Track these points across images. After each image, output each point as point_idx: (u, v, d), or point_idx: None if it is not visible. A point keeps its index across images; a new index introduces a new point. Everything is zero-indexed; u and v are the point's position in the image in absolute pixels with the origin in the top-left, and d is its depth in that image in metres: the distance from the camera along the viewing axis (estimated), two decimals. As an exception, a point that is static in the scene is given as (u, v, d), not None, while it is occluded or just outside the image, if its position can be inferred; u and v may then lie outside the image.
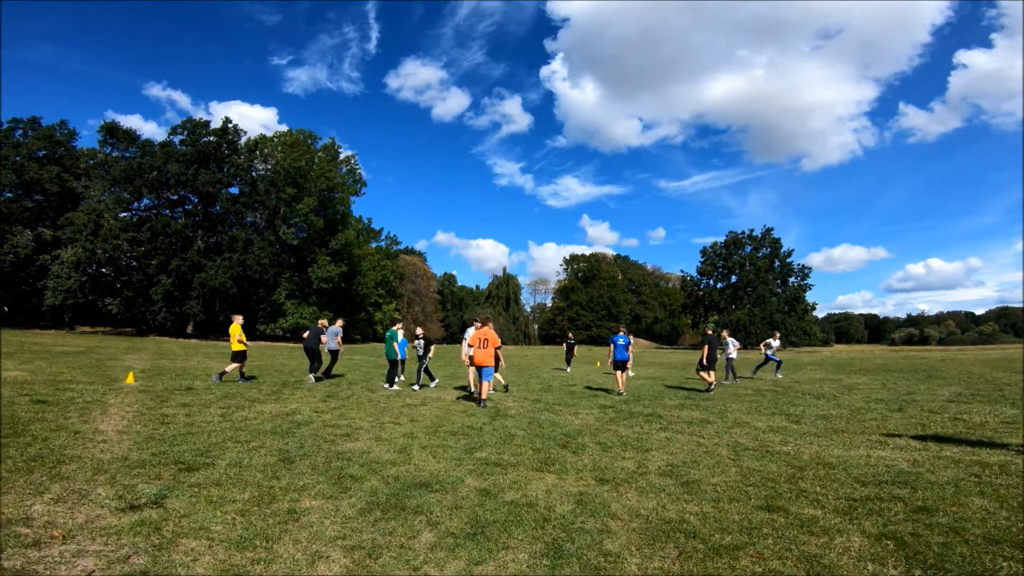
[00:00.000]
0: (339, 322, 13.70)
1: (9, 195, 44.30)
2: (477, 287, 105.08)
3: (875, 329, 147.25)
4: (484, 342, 9.67)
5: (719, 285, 72.29)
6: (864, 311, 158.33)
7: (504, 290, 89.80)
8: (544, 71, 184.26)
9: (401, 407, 9.09)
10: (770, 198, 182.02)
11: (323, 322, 13.65)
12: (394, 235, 74.73)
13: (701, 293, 73.33)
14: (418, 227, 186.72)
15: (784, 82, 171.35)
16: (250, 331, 47.31)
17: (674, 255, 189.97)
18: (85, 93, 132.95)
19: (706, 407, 10.10)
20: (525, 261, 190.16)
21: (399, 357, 12.25)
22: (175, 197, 45.45)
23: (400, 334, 12.59)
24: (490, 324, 10.24)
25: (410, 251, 79.42)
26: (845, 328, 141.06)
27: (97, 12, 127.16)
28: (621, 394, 11.74)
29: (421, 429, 7.09)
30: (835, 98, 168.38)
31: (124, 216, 42.90)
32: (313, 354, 12.76)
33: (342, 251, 48.72)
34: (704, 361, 12.82)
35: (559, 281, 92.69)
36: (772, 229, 69.43)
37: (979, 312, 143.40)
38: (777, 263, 68.49)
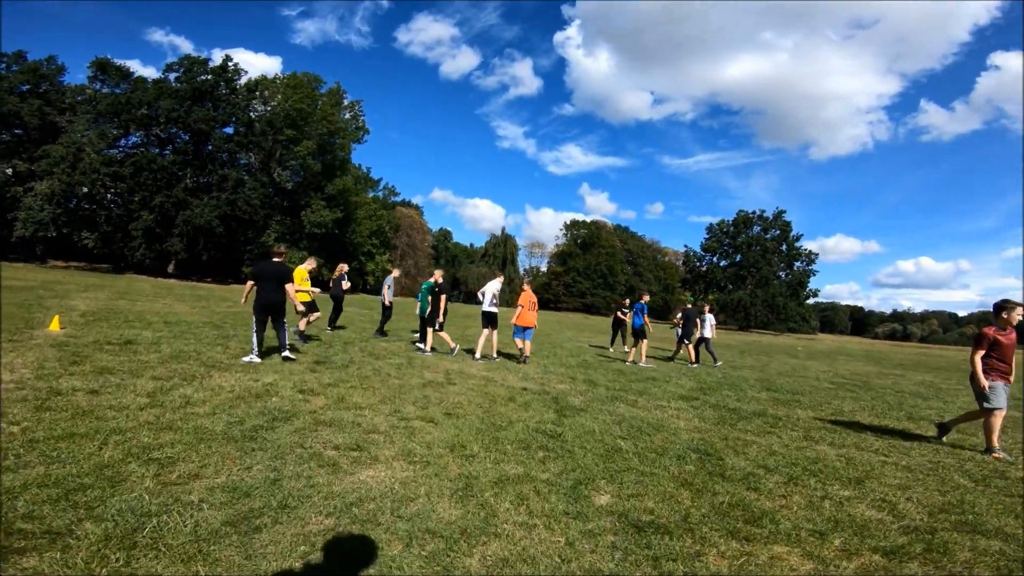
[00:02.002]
0: (395, 272, 12.28)
1: None
2: (471, 245, 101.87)
3: (859, 321, 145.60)
4: (534, 304, 9.96)
5: (723, 263, 69.87)
6: (850, 302, 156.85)
7: (501, 250, 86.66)
8: (558, 37, 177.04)
9: (421, 385, 6.45)
10: (772, 182, 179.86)
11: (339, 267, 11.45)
12: (392, 186, 70.55)
13: (704, 269, 70.87)
14: (416, 182, 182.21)
15: (806, 68, 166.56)
16: (235, 274, 44.72)
17: (670, 231, 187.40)
18: (87, 39, 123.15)
19: (808, 403, 7.99)
20: (521, 224, 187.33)
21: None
22: (164, 135, 42.12)
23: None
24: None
25: (407, 204, 75.29)
26: (830, 318, 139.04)
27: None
28: (632, 363, 11.17)
29: (470, 433, 4.45)
30: (856, 89, 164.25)
31: (110, 152, 39.74)
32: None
33: (338, 197, 45.92)
34: (682, 335, 12.42)
35: (557, 246, 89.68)
36: (784, 211, 66.71)
37: (961, 314, 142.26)
38: (784, 246, 66.02)
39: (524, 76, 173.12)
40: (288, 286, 7.13)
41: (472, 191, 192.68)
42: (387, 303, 11.71)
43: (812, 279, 65.54)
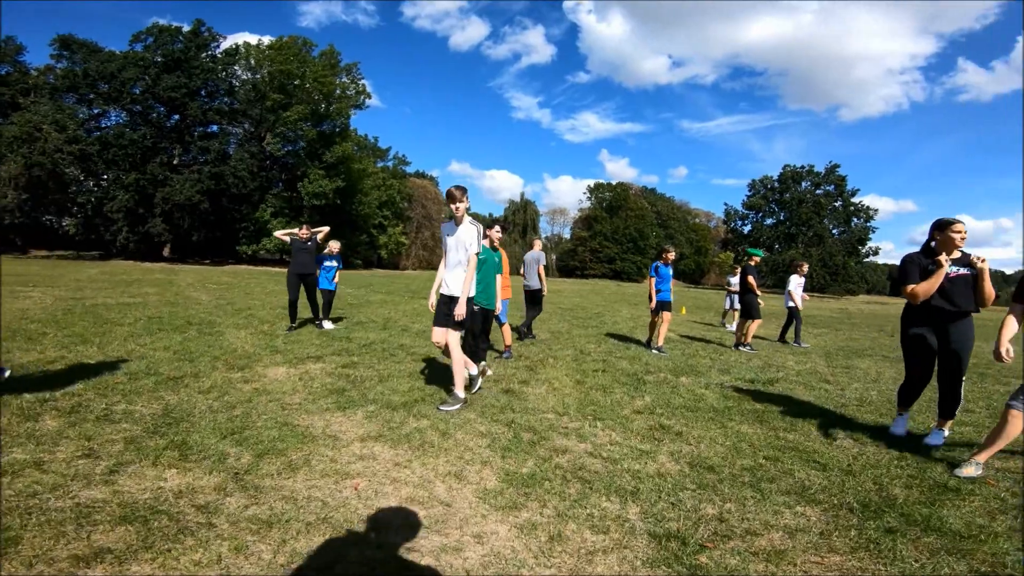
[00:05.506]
0: (537, 245, 8.98)
1: None
2: (491, 215, 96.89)
3: (897, 281, 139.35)
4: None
5: (768, 221, 63.99)
6: (886, 261, 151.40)
7: (521, 216, 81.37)
8: (568, 3, 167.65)
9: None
10: (798, 145, 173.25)
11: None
12: (403, 155, 65.61)
13: (747, 230, 64.91)
14: (433, 156, 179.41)
15: (834, 29, 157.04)
16: (230, 252, 41.12)
17: (696, 194, 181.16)
18: (90, 29, 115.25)
19: None
20: (540, 193, 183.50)
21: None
22: (138, 108, 37.72)
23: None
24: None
25: (421, 175, 70.37)
26: (869, 278, 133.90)
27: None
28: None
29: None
30: (888, 50, 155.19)
31: (82, 133, 35.91)
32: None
33: (339, 165, 41.65)
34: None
35: (581, 210, 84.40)
36: (838, 165, 61.36)
37: (1008, 272, 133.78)
38: (840, 202, 60.61)
39: (536, 44, 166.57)
40: None
41: (489, 163, 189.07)
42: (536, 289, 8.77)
43: (872, 236, 59.99)
